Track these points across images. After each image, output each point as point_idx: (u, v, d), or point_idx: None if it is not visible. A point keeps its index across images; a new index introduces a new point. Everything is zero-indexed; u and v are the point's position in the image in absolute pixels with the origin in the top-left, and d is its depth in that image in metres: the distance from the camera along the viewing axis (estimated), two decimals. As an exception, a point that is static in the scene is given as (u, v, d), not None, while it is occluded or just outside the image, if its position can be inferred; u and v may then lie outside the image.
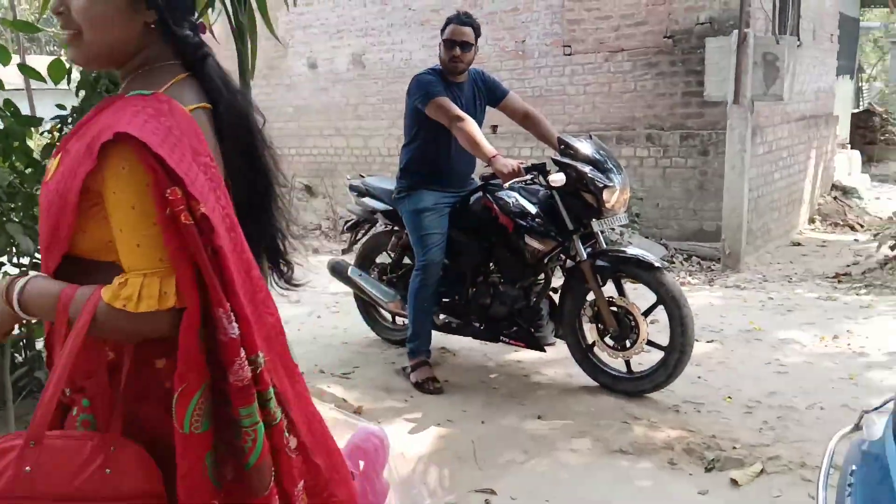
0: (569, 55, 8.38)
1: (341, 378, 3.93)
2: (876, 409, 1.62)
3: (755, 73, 6.78)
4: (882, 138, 14.42)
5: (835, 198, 10.51)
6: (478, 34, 3.79)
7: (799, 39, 8.57)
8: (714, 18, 7.45)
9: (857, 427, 1.73)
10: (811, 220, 9.72)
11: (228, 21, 3.14)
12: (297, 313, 5.33)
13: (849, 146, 12.90)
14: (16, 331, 3.26)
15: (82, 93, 3.18)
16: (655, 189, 7.82)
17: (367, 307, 4.62)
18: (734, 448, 3.03)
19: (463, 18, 3.76)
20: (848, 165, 11.79)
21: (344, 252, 4.88)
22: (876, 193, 11.93)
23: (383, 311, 4.54)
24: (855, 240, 8.60)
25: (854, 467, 1.55)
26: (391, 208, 4.19)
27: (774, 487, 2.75)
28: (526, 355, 4.17)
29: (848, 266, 6.95)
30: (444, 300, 4.05)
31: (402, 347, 4.17)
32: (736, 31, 6.80)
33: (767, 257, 7.66)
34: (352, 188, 4.53)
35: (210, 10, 3.28)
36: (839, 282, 6.26)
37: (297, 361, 4.16)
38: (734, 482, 2.79)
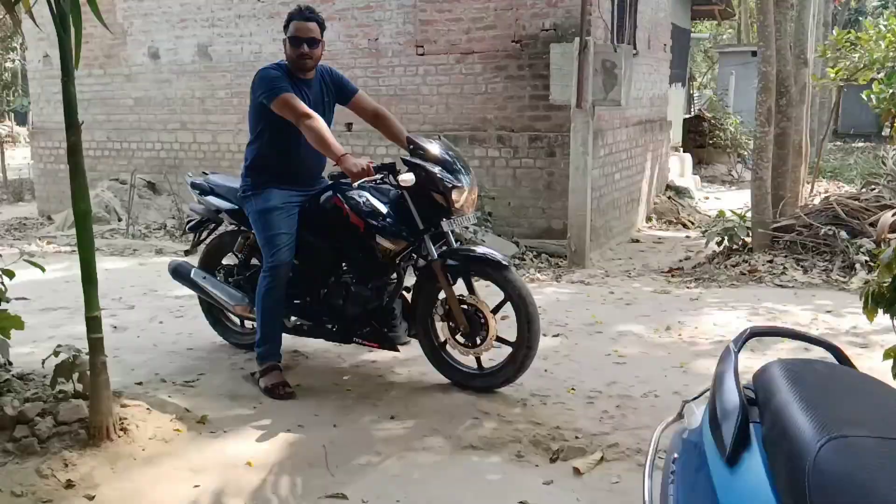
0: (422, 55, 8.45)
1: (184, 386, 3.73)
2: (695, 398, 1.73)
3: (595, 79, 7.12)
4: (710, 142, 15.65)
5: (669, 197, 11.28)
6: (323, 28, 3.72)
7: (635, 48, 9.11)
8: (558, 25, 7.77)
9: (680, 416, 1.84)
10: (648, 219, 10.38)
11: (48, 6, 2.90)
12: (137, 319, 5.03)
13: (681, 149, 13.89)
14: None
15: None
16: (507, 189, 8.05)
17: (213, 311, 4.43)
18: (577, 437, 3.16)
19: (306, 14, 3.67)
20: (680, 167, 12.69)
21: (187, 253, 4.67)
22: (705, 193, 12.94)
23: (231, 315, 4.36)
24: (686, 236, 9.26)
25: (676, 455, 1.64)
26: (237, 207, 4.03)
27: (613, 474, 2.89)
28: (380, 356, 4.15)
29: (680, 261, 7.47)
30: (294, 302, 3.95)
31: (252, 352, 4.03)
32: (577, 39, 7.12)
33: (610, 253, 8.09)
34: (194, 186, 4.32)
35: (30, -8, 3.02)
36: (672, 276, 6.71)
37: (135, 370, 3.93)
38: (577, 471, 2.90)
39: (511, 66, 8.03)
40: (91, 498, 2.68)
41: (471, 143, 8.09)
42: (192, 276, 4.21)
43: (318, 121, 3.54)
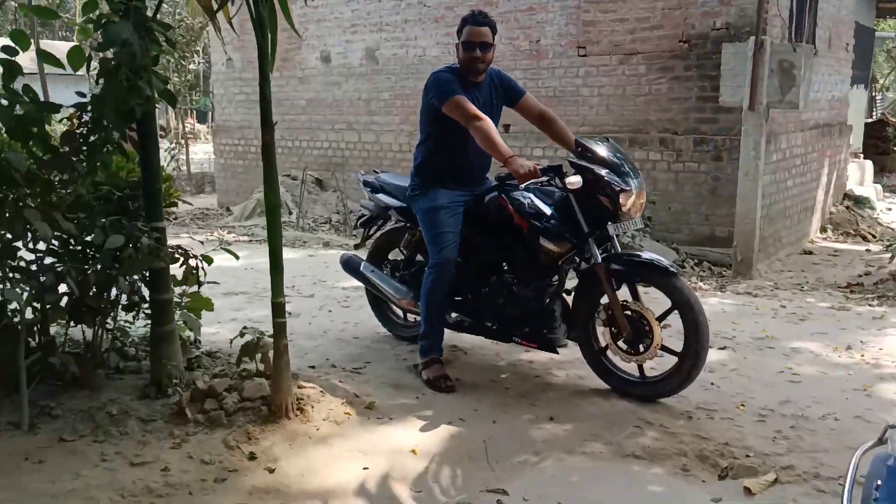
0: (583, 56, 8.35)
1: (353, 373, 3.92)
2: (904, 423, 1.60)
3: (771, 80, 6.74)
4: (895, 148, 14.35)
5: (847, 207, 10.47)
6: (495, 32, 3.77)
7: (815, 48, 8.53)
8: (730, 24, 7.41)
9: (882, 441, 1.71)
10: (822, 229, 9.68)
11: (249, 13, 3.14)
12: (308, 306, 5.33)
13: (861, 156, 12.85)
14: (29, 315, 3.27)
15: (102, 80, 3.17)
16: (668, 193, 7.79)
17: (379, 303, 4.61)
18: (747, 456, 3.01)
19: (479, 18, 3.72)
20: (860, 175, 11.74)
21: (356, 247, 4.88)
22: (888, 204, 11.88)
23: (395, 308, 4.53)
24: (867, 250, 8.56)
25: (879, 482, 1.53)
26: (405, 205, 4.18)
27: (788, 498, 2.74)
28: (538, 356, 4.16)
29: (860, 276, 6.92)
30: (456, 298, 4.04)
31: (414, 344, 4.16)
32: (752, 38, 6.77)
33: (778, 265, 7.63)
34: (365, 184, 4.51)
35: (230, 2, 3.29)
36: (851, 292, 6.22)
37: (307, 354, 4.17)
38: (748, 491, 2.77)
39: (677, 66, 7.76)
40: (271, 471, 2.87)
41: (631, 145, 7.90)
42: (361, 269, 4.40)
43: (487, 123, 3.60)
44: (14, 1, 16.16)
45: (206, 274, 3.56)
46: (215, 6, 3.37)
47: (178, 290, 3.64)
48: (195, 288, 3.71)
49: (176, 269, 3.54)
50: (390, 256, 4.57)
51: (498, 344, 4.26)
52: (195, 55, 21.02)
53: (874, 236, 9.38)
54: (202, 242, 7.21)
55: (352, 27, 10.16)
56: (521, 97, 3.96)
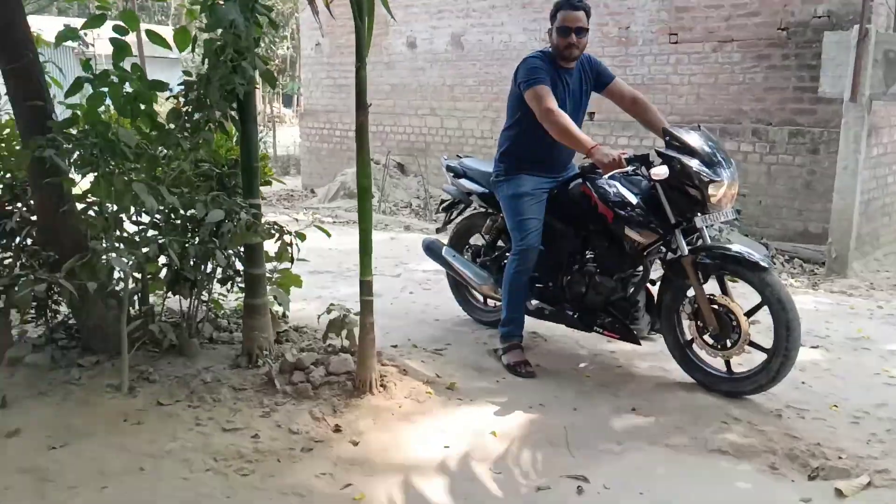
0: (675, 44, 8.14)
1: (434, 354, 3.97)
2: None
3: (875, 71, 6.41)
4: None
5: (952, 207, 9.88)
6: (590, 16, 3.71)
7: (926, 36, 8.05)
8: (832, 12, 7.08)
9: None
10: (924, 229, 9.17)
11: (349, -1, 3.20)
12: (390, 288, 5.42)
13: (970, 153, 12.07)
14: (131, 284, 3.44)
15: (207, 61, 3.30)
16: (759, 186, 7.53)
17: (459, 287, 4.64)
18: (840, 458, 2.91)
19: (575, 3, 3.66)
20: (968, 173, 11.04)
21: (438, 231, 4.93)
22: None
23: (475, 293, 4.55)
24: (972, 252, 8.06)
25: None
26: (487, 191, 4.18)
27: (882, 502, 2.63)
28: (619, 347, 4.11)
29: (964, 279, 6.53)
30: (537, 286, 4.03)
31: (493, 329, 4.18)
32: (856, 27, 6.45)
33: (875, 264, 7.28)
34: (448, 169, 4.53)
35: (329, -14, 3.37)
36: (954, 295, 5.89)
37: (389, 333, 4.25)
38: (839, 493, 2.67)
39: (774, 55, 7.47)
40: (355, 444, 2.95)
41: (721, 135, 7.66)
42: (443, 253, 4.44)
43: (562, 116, 3.53)
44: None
45: (299, 251, 3.67)
46: (315, -9, 3.46)
47: (269, 265, 3.76)
48: (286, 264, 3.83)
49: (268, 246, 3.66)
50: (471, 241, 4.59)
51: (578, 333, 4.23)
52: (284, 40, 21.49)
53: (982, 238, 8.82)
54: (297, 220, 7.42)
55: (438, 13, 10.19)
56: (611, 82, 3.90)
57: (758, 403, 3.42)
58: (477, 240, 4.57)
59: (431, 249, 4.56)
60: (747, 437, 3.08)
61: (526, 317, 4.02)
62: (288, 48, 22.82)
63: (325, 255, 6.06)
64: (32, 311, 3.62)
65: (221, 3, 3.27)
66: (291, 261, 3.71)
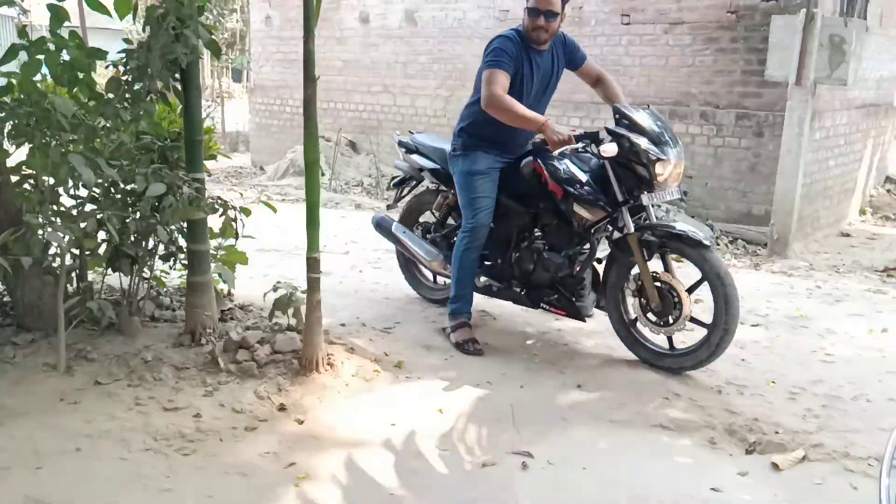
0: (627, 24, 8.18)
1: (382, 332, 3.95)
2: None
3: (820, 55, 6.55)
4: (942, 133, 13.92)
5: (888, 191, 10.21)
6: (565, 1, 3.61)
7: (867, 23, 8.26)
8: (781, -4, 7.19)
9: None
10: (862, 212, 9.46)
11: (295, -35, 3.12)
12: (340, 266, 5.36)
13: (906, 139, 12.48)
14: (68, 261, 3.33)
15: (148, 28, 3.19)
16: (706, 168, 7.66)
17: (409, 265, 4.63)
18: (776, 433, 2.99)
19: None
20: (904, 158, 11.42)
21: (388, 208, 4.89)
22: (931, 189, 11.56)
23: (424, 270, 4.54)
24: (906, 235, 8.36)
25: None
26: (439, 167, 4.16)
27: (816, 475, 2.71)
28: (566, 324, 4.15)
29: (899, 260, 6.77)
30: (486, 263, 4.04)
31: (442, 307, 4.18)
32: (803, 10, 6.56)
33: (815, 245, 7.49)
34: (400, 144, 4.49)
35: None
36: (889, 276, 6.09)
37: (338, 312, 4.20)
38: (775, 466, 2.75)
39: (723, 38, 7.57)
40: (300, 422, 2.92)
41: (671, 117, 7.74)
42: (393, 229, 4.41)
43: (504, 100, 3.51)
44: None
45: (244, 227, 3.59)
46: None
47: (214, 242, 3.68)
48: (231, 241, 3.75)
49: (213, 222, 3.57)
50: (422, 219, 4.57)
51: (527, 311, 4.26)
52: (233, 13, 20.96)
53: (916, 222, 9.15)
54: (242, 195, 7.28)
55: (392, -12, 10.04)
56: (583, 62, 3.89)
57: (699, 380, 3.49)
58: (428, 217, 4.55)
59: (381, 226, 4.52)
60: (688, 413, 3.14)
61: (476, 295, 4.02)
62: (237, 21, 22.27)
63: (273, 232, 5.94)
64: (-38, 288, 3.48)
65: (163, -32, 3.15)
66: (236, 237, 3.63)
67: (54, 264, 3.30)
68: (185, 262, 3.59)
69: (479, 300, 4.11)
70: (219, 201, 3.47)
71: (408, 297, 4.63)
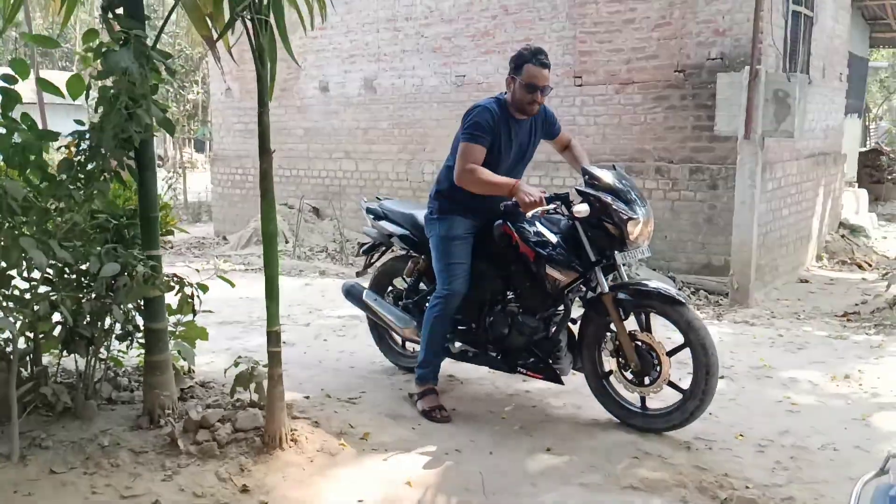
0: (579, 86, 8.42)
1: (348, 403, 3.88)
2: (906, 454, 1.59)
3: (766, 110, 6.80)
4: (889, 177, 14.45)
5: (842, 236, 10.49)
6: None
7: (809, 77, 8.62)
8: (725, 54, 7.49)
9: (883, 471, 1.69)
10: (818, 258, 9.69)
11: (249, 43, 3.16)
12: (304, 336, 5.30)
13: (856, 185, 12.91)
14: (22, 345, 3.23)
15: (101, 109, 3.19)
16: (664, 221, 7.80)
17: (380, 332, 4.56)
18: (747, 487, 2.98)
19: (543, 60, 3.58)
20: (855, 204, 11.79)
21: (358, 275, 4.82)
22: (883, 233, 11.92)
23: (396, 337, 4.49)
24: (863, 279, 8.56)
25: None
26: (408, 233, 4.15)
27: (789, 530, 2.70)
28: (535, 385, 4.12)
29: (857, 305, 6.91)
30: (459, 327, 3.98)
31: (411, 374, 4.13)
32: (747, 67, 6.84)
33: (775, 293, 7.63)
34: (368, 211, 4.46)
35: (230, 31, 3.32)
36: (848, 321, 6.21)
37: (302, 384, 4.11)
38: (748, 523, 2.73)
39: (673, 95, 7.83)
40: None
41: (627, 173, 7.92)
42: (363, 297, 4.35)
43: (476, 172, 3.55)
44: (14, 30, 16.30)
45: (201, 302, 3.54)
46: (215, 36, 3.41)
47: (172, 319, 3.62)
48: (190, 317, 3.68)
49: (171, 298, 3.52)
50: (395, 283, 4.53)
51: (495, 373, 4.23)
52: (194, 85, 21.14)
53: (870, 265, 9.39)
54: (198, 270, 7.20)
55: (350, 57, 10.24)
56: (559, 133, 3.97)
57: (668, 436, 3.48)
58: (399, 283, 4.52)
59: (351, 294, 4.46)
60: (658, 472, 3.12)
61: (444, 360, 3.98)
62: (199, 93, 22.45)
63: (235, 304, 5.89)
64: None
65: (116, 49, 3.17)
66: (194, 313, 3.57)
67: (7, 349, 3.20)
68: (143, 340, 3.51)
69: (446, 365, 4.08)
70: (174, 279, 3.42)
71: (374, 365, 4.58)
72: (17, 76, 3.13)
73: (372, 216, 4.41)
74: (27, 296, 3.21)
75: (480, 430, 3.58)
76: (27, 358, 3.40)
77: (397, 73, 9.85)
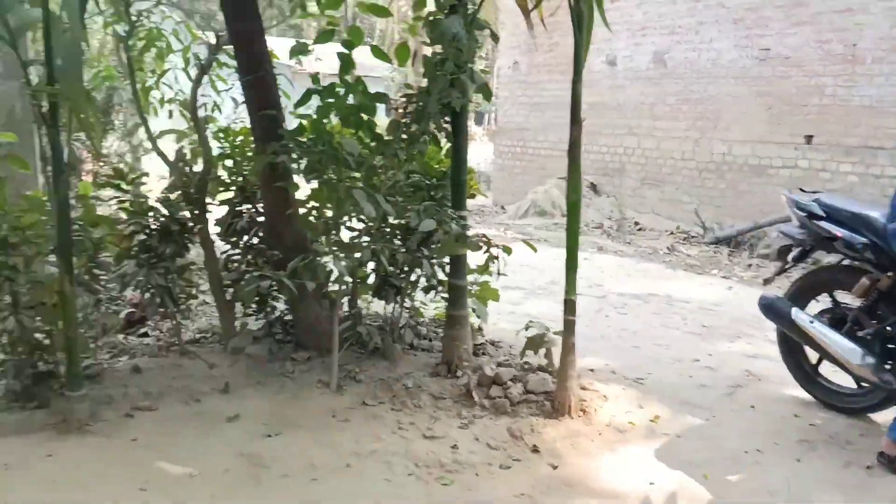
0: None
1: (634, 382, 3.77)
2: None
3: None
4: None
5: None
6: None
7: None
8: None
9: None
10: None
11: (570, 8, 3.15)
12: (586, 308, 5.23)
13: None
14: (344, 286, 3.56)
15: (426, 74, 3.39)
16: None
17: (790, 345, 3.70)
18: None
19: None
20: None
21: (765, 283, 4.01)
22: None
23: (809, 356, 3.67)
24: None
25: None
26: (871, 241, 3.25)
27: None
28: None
29: None
30: None
31: (831, 411, 3.51)
32: None
33: None
34: (797, 206, 3.57)
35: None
36: None
37: (586, 357, 3.97)
38: None
39: None
40: (554, 467, 2.86)
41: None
42: (792, 316, 3.49)
43: None
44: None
45: (505, 265, 3.66)
46: (531, 5, 3.45)
47: (469, 277, 3.78)
48: (486, 277, 3.83)
49: (471, 258, 3.67)
50: (837, 299, 3.61)
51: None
52: (479, 59, 22.02)
53: None
54: (504, 234, 7.47)
55: (641, 30, 9.90)
56: None
57: None
58: (824, 299, 3.64)
59: (773, 310, 3.62)
60: None
61: None
62: (485, 69, 23.33)
63: (517, 271, 6.02)
64: (254, 306, 3.89)
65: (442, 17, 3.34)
66: (499, 274, 3.70)
67: (332, 289, 3.57)
68: (444, 295, 3.72)
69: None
70: (483, 239, 3.56)
71: (658, 348, 4.41)
72: (353, 42, 3.45)
73: (803, 212, 3.53)
74: (352, 244, 3.54)
75: (782, 433, 3.28)
76: (346, 299, 3.78)
77: (692, 46, 9.32)
